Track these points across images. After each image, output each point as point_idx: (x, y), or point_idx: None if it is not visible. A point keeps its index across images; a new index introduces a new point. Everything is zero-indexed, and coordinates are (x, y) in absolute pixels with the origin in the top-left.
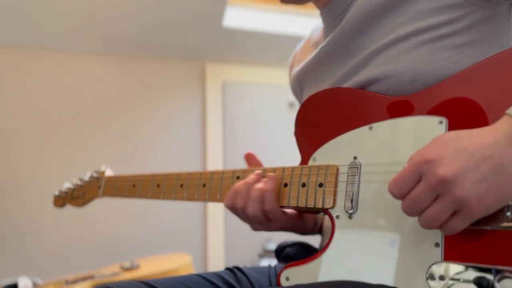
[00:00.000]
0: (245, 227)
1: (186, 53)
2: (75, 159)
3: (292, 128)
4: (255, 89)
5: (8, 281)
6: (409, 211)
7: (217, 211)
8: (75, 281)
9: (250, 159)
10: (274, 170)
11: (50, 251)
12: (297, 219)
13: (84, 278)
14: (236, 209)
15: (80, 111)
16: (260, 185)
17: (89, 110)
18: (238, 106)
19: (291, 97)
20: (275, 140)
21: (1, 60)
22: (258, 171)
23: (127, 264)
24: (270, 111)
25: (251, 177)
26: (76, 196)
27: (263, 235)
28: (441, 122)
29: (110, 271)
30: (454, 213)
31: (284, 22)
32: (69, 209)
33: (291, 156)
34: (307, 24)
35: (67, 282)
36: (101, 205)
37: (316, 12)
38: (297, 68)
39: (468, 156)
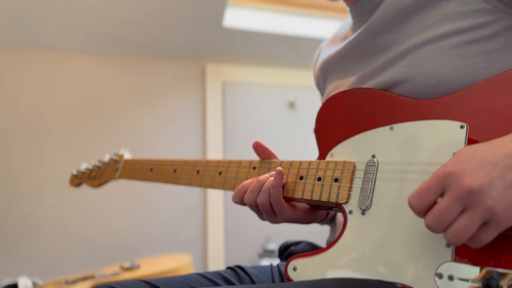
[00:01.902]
0: (245, 227)
1: (186, 53)
2: (75, 159)
3: (292, 128)
4: (255, 89)
5: (8, 281)
6: (435, 227)
7: (217, 211)
8: (75, 281)
9: (259, 149)
10: (291, 163)
11: (50, 251)
12: (303, 212)
13: (84, 278)
14: (244, 204)
15: (80, 111)
16: (270, 179)
17: (89, 110)
18: (238, 106)
19: (291, 97)
20: (275, 140)
21: (1, 60)
22: (277, 168)
23: (127, 264)
24: (270, 111)
25: (263, 176)
26: (93, 177)
27: (263, 235)
28: (462, 127)
29: (110, 271)
30: (483, 224)
31: (284, 22)
32: (69, 209)
33: (291, 156)
34: (307, 24)
35: (67, 282)
36: (102, 205)
37: (316, 12)
38: (322, 58)
39: (491, 166)
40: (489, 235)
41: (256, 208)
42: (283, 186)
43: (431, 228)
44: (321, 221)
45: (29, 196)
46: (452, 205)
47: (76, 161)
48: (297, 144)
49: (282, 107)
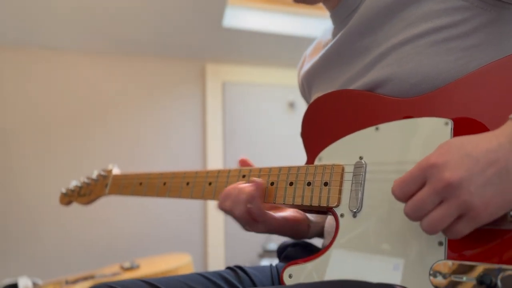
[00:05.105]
0: None
1: (186, 53)
2: (74, 159)
3: (291, 128)
4: (255, 89)
5: (8, 281)
6: (412, 215)
7: (217, 211)
8: (75, 281)
9: (244, 165)
10: (280, 169)
11: (50, 251)
12: (285, 223)
13: (84, 278)
14: (226, 211)
15: (80, 111)
16: (248, 190)
17: (89, 110)
18: (238, 106)
19: (291, 97)
20: (275, 140)
21: (1, 60)
22: (252, 179)
23: (127, 264)
24: (270, 111)
25: (241, 182)
26: (83, 194)
27: (263, 235)
28: (446, 124)
29: (110, 271)
30: (459, 217)
31: (284, 22)
32: (69, 209)
33: (290, 156)
34: (307, 24)
35: (67, 282)
36: (101, 205)
37: (315, 12)
38: (306, 67)
39: (473, 160)
40: (464, 228)
41: (236, 218)
42: (274, 194)
43: (408, 215)
44: (304, 236)
45: (29, 196)
46: (430, 196)
47: (75, 161)
48: (297, 144)
49: (282, 107)
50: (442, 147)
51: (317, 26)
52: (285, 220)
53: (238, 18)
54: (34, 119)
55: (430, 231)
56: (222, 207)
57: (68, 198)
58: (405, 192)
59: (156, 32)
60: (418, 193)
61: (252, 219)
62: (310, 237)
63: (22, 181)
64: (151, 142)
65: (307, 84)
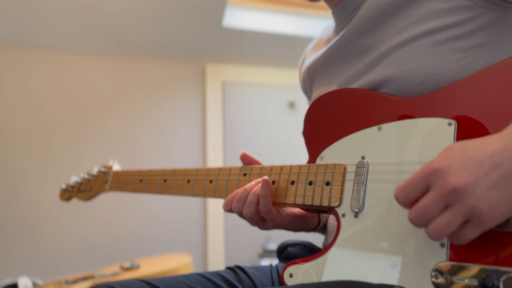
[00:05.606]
0: (245, 227)
1: (186, 53)
2: (74, 159)
3: (291, 128)
4: (255, 89)
5: (8, 281)
6: (417, 221)
7: (217, 211)
8: (75, 281)
9: (245, 159)
10: (281, 168)
11: (50, 251)
12: (294, 219)
13: (84, 278)
14: (233, 212)
15: (79, 111)
16: (256, 189)
17: (89, 110)
18: (238, 106)
19: (291, 97)
20: (275, 140)
21: (1, 60)
22: (263, 178)
23: (127, 264)
24: (270, 111)
25: (249, 184)
26: (83, 190)
27: (263, 235)
28: (450, 124)
29: (110, 271)
30: (465, 222)
31: (284, 22)
32: (69, 209)
33: (290, 156)
34: (307, 24)
35: (67, 282)
36: (102, 206)
37: (316, 12)
38: (307, 63)
39: (477, 164)
40: (471, 233)
41: (243, 217)
42: (275, 193)
43: (413, 222)
44: (313, 230)
45: (29, 196)
46: (435, 201)
47: (75, 161)
48: (297, 144)
49: (282, 107)
50: (445, 152)
51: (317, 26)
52: (293, 216)
53: (238, 18)
54: (34, 119)
55: (435, 237)
56: (229, 209)
57: (68, 193)
58: (408, 197)
59: (156, 32)
60: (422, 198)
61: (260, 218)
62: (318, 231)
63: (21, 181)
64: (151, 142)
65: (308, 80)
